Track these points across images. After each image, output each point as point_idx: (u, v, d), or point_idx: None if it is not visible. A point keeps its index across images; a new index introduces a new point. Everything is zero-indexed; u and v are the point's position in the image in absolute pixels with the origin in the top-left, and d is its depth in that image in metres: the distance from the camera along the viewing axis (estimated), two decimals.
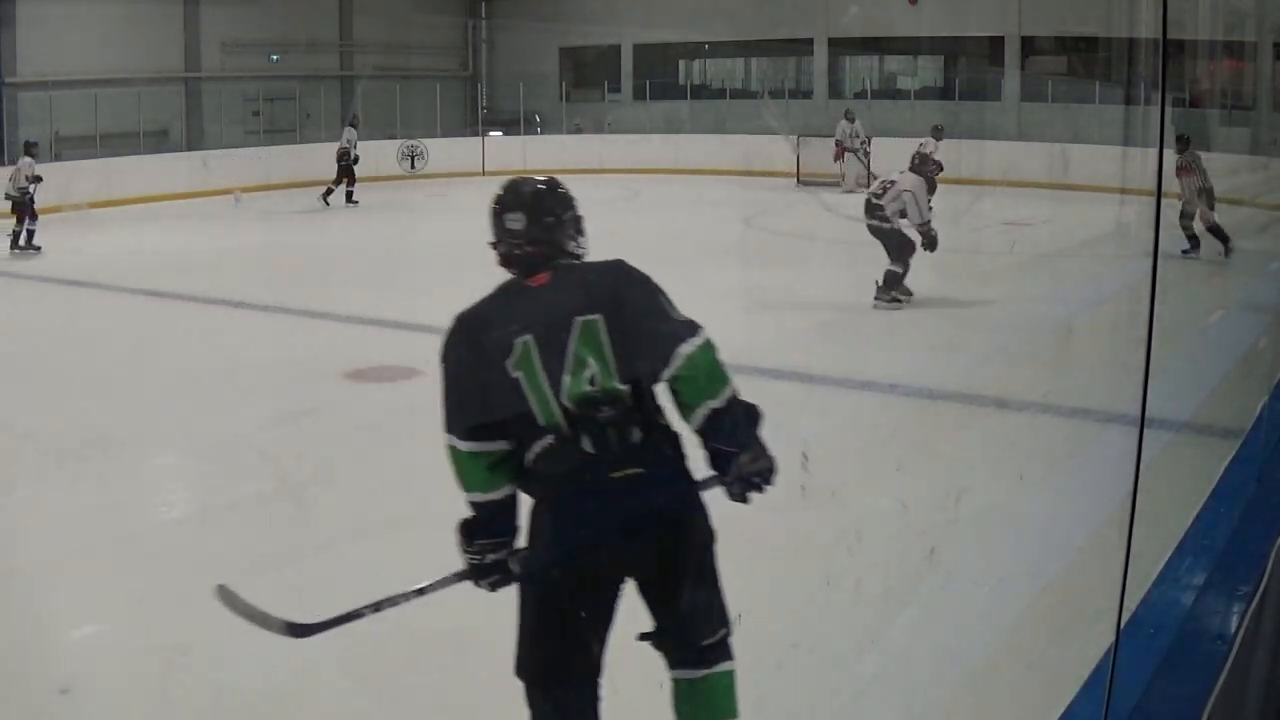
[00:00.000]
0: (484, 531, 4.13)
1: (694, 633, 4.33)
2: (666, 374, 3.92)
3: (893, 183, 13.69)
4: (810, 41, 35.81)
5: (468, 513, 4.14)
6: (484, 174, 28.63)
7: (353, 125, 27.00)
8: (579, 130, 35.05)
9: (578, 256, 4.26)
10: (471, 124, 37.25)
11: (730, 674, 4.38)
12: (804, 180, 28.29)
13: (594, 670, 4.17)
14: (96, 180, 25.93)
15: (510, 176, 4.54)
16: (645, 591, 4.23)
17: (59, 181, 23.15)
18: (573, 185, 4.08)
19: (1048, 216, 22.43)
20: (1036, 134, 28.27)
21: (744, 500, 4.23)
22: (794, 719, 5.14)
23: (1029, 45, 32.45)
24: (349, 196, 26.23)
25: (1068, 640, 5.39)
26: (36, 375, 11.46)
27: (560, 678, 4.19)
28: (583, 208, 4.31)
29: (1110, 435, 8.36)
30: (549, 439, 3.93)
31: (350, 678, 5.39)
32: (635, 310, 4.06)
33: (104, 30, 30.33)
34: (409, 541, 7.13)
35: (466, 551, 4.19)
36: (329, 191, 26.10)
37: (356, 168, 26.37)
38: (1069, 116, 28.17)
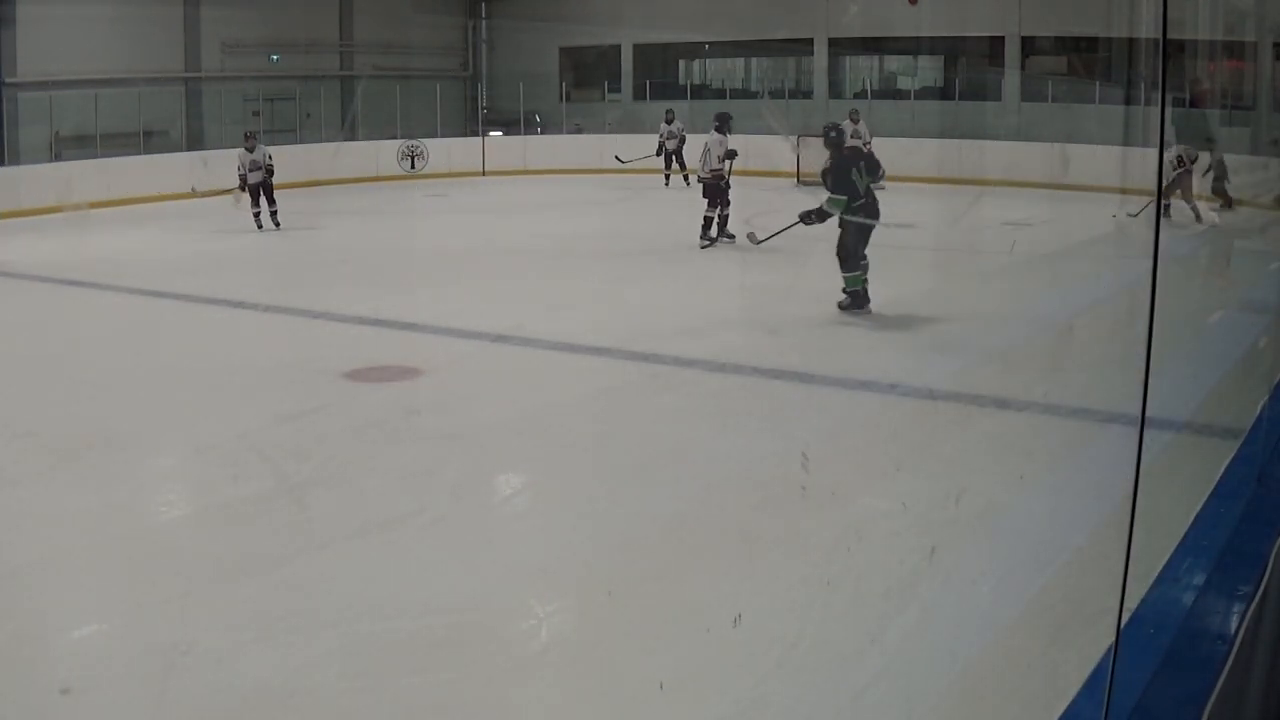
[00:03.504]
0: (821, 217, 13.66)
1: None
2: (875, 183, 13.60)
3: None
4: (810, 41, 35.80)
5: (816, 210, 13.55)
6: (484, 174, 28.63)
7: (667, 122, 29.71)
8: (579, 130, 35.04)
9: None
10: (471, 124, 37.26)
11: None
12: (804, 180, 28.24)
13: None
14: (96, 180, 25.96)
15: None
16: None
17: (59, 181, 23.21)
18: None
19: (1048, 216, 22.43)
20: (1036, 134, 28.25)
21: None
22: (794, 719, 5.15)
23: (1029, 45, 32.44)
24: (686, 178, 28.25)
25: (1068, 640, 5.40)
26: (36, 375, 11.46)
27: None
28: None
29: (1110, 435, 8.37)
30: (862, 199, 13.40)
31: (350, 678, 5.39)
32: (873, 163, 13.96)
33: (104, 30, 30.36)
34: (409, 542, 7.14)
35: (814, 219, 13.78)
36: (685, 176, 28.30)
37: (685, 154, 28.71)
38: (1069, 116, 28.14)
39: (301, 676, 5.40)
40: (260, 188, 22.34)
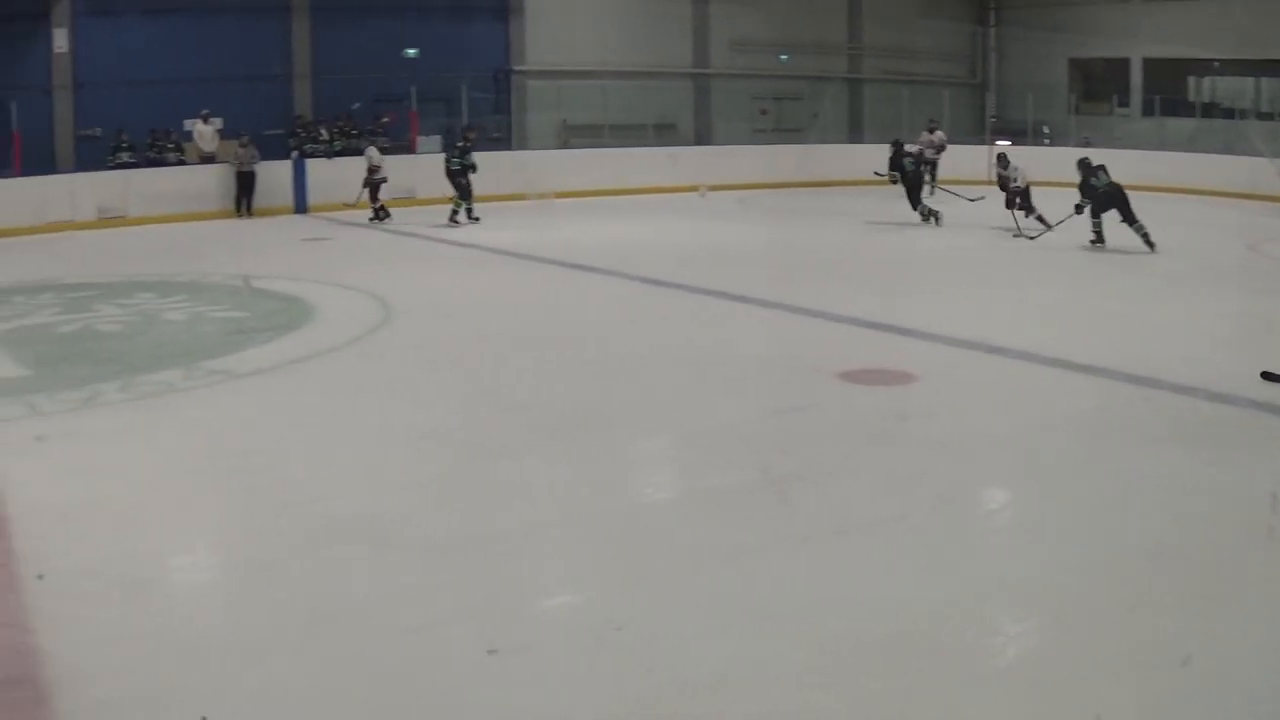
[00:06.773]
0: None
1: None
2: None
3: None
4: None
5: None
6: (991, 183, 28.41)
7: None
8: (1087, 143, 34.17)
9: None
10: (979, 132, 36.80)
11: None
12: None
13: None
14: (601, 169, 27.05)
15: None
16: None
17: (568, 169, 24.27)
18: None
19: None
20: None
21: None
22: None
23: None
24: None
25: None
26: (534, 352, 12.34)
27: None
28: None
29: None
30: None
31: (811, 672, 5.41)
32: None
33: (611, 24, 31.57)
34: (887, 545, 7.12)
35: None
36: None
37: None
38: None
39: (756, 667, 5.46)
40: None
